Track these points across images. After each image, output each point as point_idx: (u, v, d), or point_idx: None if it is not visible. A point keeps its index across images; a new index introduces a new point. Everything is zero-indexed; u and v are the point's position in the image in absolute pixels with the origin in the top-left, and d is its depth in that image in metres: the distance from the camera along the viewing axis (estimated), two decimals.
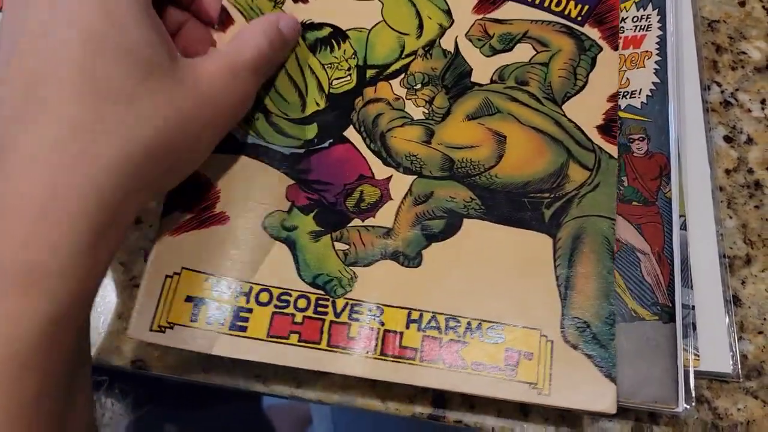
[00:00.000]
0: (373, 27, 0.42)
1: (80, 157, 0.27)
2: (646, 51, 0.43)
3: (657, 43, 0.43)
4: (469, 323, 0.36)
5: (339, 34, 0.41)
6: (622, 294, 0.37)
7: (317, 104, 0.40)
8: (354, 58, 0.41)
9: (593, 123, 0.40)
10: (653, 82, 0.42)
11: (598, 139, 0.39)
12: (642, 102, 0.42)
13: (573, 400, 0.34)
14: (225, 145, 0.37)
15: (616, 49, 0.42)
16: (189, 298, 0.35)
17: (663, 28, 0.44)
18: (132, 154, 0.29)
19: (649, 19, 0.44)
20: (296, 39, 0.40)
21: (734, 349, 0.38)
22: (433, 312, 0.36)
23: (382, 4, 0.42)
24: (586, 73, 0.41)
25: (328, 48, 0.41)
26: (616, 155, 0.39)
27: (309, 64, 0.40)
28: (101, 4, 0.29)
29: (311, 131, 0.39)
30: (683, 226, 0.40)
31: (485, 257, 0.37)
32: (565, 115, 0.40)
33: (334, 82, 0.40)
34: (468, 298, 0.36)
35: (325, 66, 0.41)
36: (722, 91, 0.46)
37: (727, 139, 0.44)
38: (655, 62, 0.43)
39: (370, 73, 0.41)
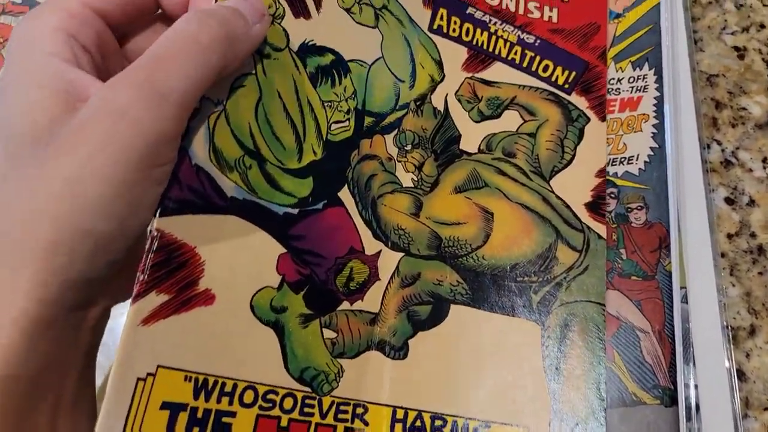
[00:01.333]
0: (373, 63, 0.38)
1: None
2: (643, 114, 0.42)
3: (654, 105, 0.43)
4: (455, 422, 0.34)
5: (341, 65, 0.37)
6: (621, 376, 0.37)
7: (314, 152, 0.36)
8: (354, 98, 0.37)
9: (582, 200, 0.39)
10: (651, 147, 0.42)
11: (586, 217, 0.39)
12: (640, 168, 0.41)
13: None
14: (212, 204, 0.33)
15: (603, 119, 0.41)
16: (165, 405, 0.30)
17: (660, 88, 0.43)
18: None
19: (645, 80, 0.43)
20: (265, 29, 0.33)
21: (739, 429, 0.38)
22: (418, 410, 0.34)
23: (383, 36, 0.39)
24: (573, 145, 0.40)
25: (329, 81, 0.37)
26: (605, 235, 0.39)
27: (309, 100, 0.36)
28: None
29: (306, 187, 0.35)
30: (684, 299, 0.39)
31: (472, 347, 0.35)
32: (553, 192, 0.39)
33: (333, 126, 0.37)
34: (455, 394, 0.34)
35: (325, 104, 0.37)
36: (722, 150, 0.45)
37: (729, 201, 0.44)
38: (653, 125, 0.42)
39: (368, 121, 0.37)
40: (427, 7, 0.41)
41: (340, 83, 0.37)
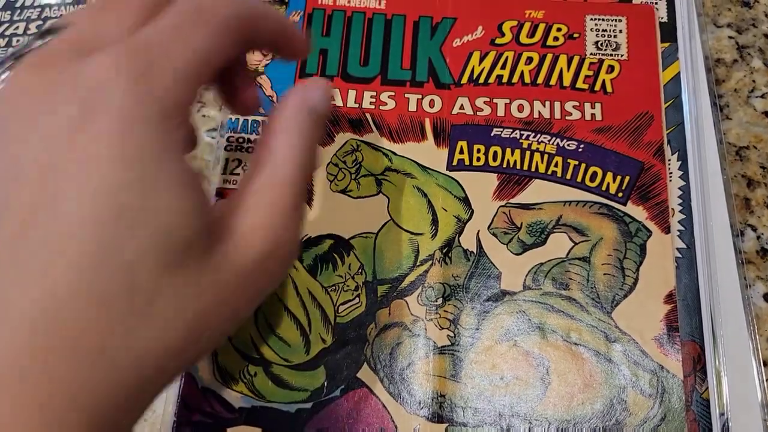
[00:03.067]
0: (380, 230, 0.36)
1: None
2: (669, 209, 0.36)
3: (679, 196, 0.37)
4: None
5: (341, 246, 0.35)
6: None
7: (323, 340, 0.34)
8: (361, 273, 0.35)
9: (651, 334, 0.33)
10: (678, 248, 0.35)
11: (657, 355, 0.33)
12: None
13: None
14: (221, 419, 0.32)
15: (668, 231, 0.35)
16: None
17: (685, 176, 0.37)
18: (139, 376, 0.21)
19: (668, 167, 0.37)
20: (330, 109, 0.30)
21: None
22: None
23: (389, 199, 0.36)
24: (635, 266, 0.35)
25: (331, 266, 0.35)
26: (680, 374, 0.33)
27: (310, 291, 0.34)
28: (121, 143, 0.21)
29: (318, 378, 0.33)
30: (725, 427, 0.33)
31: None
32: (617, 327, 0.34)
33: (341, 308, 0.34)
34: None
35: (329, 289, 0.34)
36: (758, 237, 0.38)
37: None
38: (679, 221, 0.36)
39: (381, 289, 0.35)
40: (442, 146, 0.37)
41: (343, 264, 0.34)
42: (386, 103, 0.38)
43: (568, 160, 0.37)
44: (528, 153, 0.37)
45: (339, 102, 0.38)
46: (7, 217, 0.20)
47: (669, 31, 0.40)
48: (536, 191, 0.36)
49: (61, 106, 0.21)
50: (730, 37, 0.43)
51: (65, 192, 0.20)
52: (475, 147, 0.37)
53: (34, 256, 0.20)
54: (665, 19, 0.40)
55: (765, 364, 0.35)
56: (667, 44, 0.40)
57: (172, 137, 0.22)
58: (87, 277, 0.19)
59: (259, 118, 0.38)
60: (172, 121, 0.23)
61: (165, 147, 0.22)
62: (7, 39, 0.42)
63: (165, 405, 0.34)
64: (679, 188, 0.37)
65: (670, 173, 0.37)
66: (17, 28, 0.43)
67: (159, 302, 0.21)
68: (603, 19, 0.40)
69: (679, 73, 0.39)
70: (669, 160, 0.37)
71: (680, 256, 0.35)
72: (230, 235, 0.23)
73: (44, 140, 0.21)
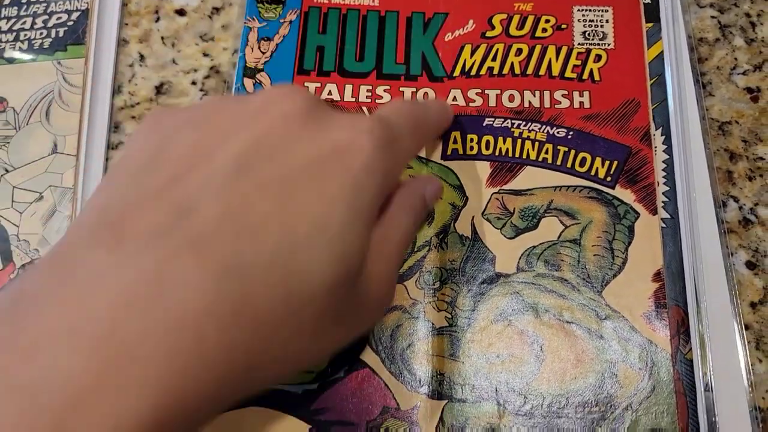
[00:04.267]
0: None
1: None
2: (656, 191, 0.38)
3: (664, 170, 0.38)
4: None
5: None
6: None
7: None
8: None
9: (639, 310, 0.35)
10: (663, 219, 0.37)
11: (647, 330, 0.35)
12: None
13: None
14: None
15: (654, 213, 0.37)
16: None
17: (669, 150, 0.38)
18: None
19: (653, 141, 0.39)
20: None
21: None
22: None
23: None
24: (624, 247, 0.36)
25: None
26: (669, 348, 0.34)
27: None
28: (352, 200, 0.25)
29: (323, 361, 0.35)
30: (707, 386, 0.34)
31: None
32: (607, 305, 0.35)
33: None
34: None
35: None
36: (740, 207, 0.40)
37: (750, 266, 0.38)
38: (663, 193, 0.38)
39: None
40: (436, 139, 0.39)
41: None
42: (382, 97, 0.40)
43: (558, 147, 0.38)
44: (519, 141, 0.39)
45: (336, 97, 0.40)
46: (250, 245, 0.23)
47: (653, 12, 0.41)
48: (528, 178, 0.38)
49: (310, 150, 0.25)
50: (713, 17, 0.44)
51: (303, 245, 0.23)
52: (468, 137, 0.39)
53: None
54: (648, 0, 0.42)
55: (747, 328, 0.37)
56: (650, 24, 0.41)
57: (378, 205, 0.27)
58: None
59: None
60: (386, 191, 0.28)
61: (374, 213, 0.27)
62: (15, 34, 0.44)
63: None
64: (663, 161, 0.38)
65: (655, 147, 0.38)
66: (24, 23, 0.44)
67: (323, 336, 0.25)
68: (590, 10, 0.42)
69: (662, 52, 0.40)
70: (653, 135, 0.39)
71: (665, 225, 0.37)
72: (365, 277, 0.27)
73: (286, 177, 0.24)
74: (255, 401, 0.34)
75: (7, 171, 0.41)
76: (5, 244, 0.40)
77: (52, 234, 0.40)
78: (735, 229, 0.39)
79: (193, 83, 0.44)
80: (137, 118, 0.43)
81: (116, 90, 0.44)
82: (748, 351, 0.36)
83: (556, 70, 0.40)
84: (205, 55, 0.44)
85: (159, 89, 0.44)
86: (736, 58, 0.43)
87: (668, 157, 0.38)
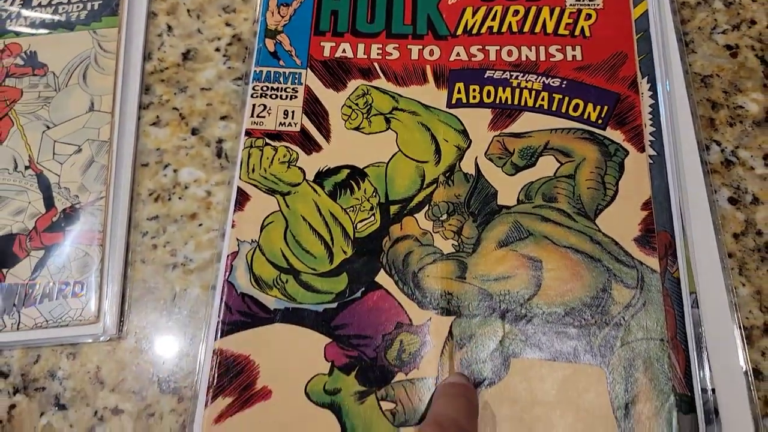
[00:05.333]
0: (390, 159, 0.41)
1: None
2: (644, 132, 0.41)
3: (650, 113, 0.42)
4: None
5: (357, 174, 0.40)
6: None
7: (344, 252, 0.39)
8: (375, 196, 0.40)
9: (630, 236, 0.38)
10: (650, 156, 0.41)
11: (637, 253, 0.38)
12: None
13: None
14: (258, 318, 0.37)
15: (642, 150, 0.40)
16: None
17: (655, 95, 0.42)
18: None
19: (640, 88, 0.42)
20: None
21: (760, 429, 0.36)
22: None
23: (397, 133, 0.41)
24: (615, 180, 0.40)
25: (348, 191, 0.40)
26: (658, 268, 0.37)
27: (331, 212, 0.39)
28: None
29: (341, 283, 0.38)
30: (695, 304, 0.38)
31: (538, 398, 0.35)
32: (600, 230, 0.38)
33: (359, 225, 0.39)
34: None
35: (347, 210, 0.40)
36: (722, 150, 0.43)
37: (732, 201, 0.42)
38: (650, 134, 0.41)
39: (393, 208, 0.40)
40: (442, 87, 0.42)
41: (359, 189, 0.40)
42: (391, 54, 0.44)
43: (553, 95, 0.42)
44: (518, 90, 0.42)
45: (350, 54, 0.44)
46: None
47: None
48: (526, 122, 0.41)
49: None
50: None
51: None
52: (471, 87, 0.42)
53: None
54: None
55: (730, 256, 0.40)
56: None
57: None
58: None
59: (281, 70, 0.43)
60: None
61: None
62: (54, 8, 0.48)
63: (210, 310, 0.39)
64: (650, 106, 0.42)
65: (642, 93, 0.42)
66: None
67: None
68: None
69: (647, 10, 0.44)
70: (640, 83, 0.42)
71: (652, 162, 0.40)
72: None
73: None
74: (279, 319, 0.37)
75: (48, 127, 0.45)
76: (48, 191, 0.43)
77: (90, 181, 0.43)
78: (718, 169, 0.43)
79: (217, 50, 0.48)
80: (166, 81, 0.47)
81: (147, 57, 0.48)
82: (731, 276, 0.40)
83: (550, 28, 0.44)
84: (228, 24, 0.48)
85: (185, 55, 0.48)
86: (716, 19, 0.47)
87: (654, 102, 0.42)
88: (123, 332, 0.41)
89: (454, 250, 0.39)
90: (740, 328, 0.38)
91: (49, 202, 0.43)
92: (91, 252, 0.42)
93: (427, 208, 0.40)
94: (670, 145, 0.41)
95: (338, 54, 0.44)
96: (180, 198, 0.44)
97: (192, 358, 0.40)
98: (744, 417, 0.36)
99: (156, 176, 0.45)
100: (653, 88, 0.42)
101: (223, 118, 0.46)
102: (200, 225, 0.43)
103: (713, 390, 0.36)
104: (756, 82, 0.45)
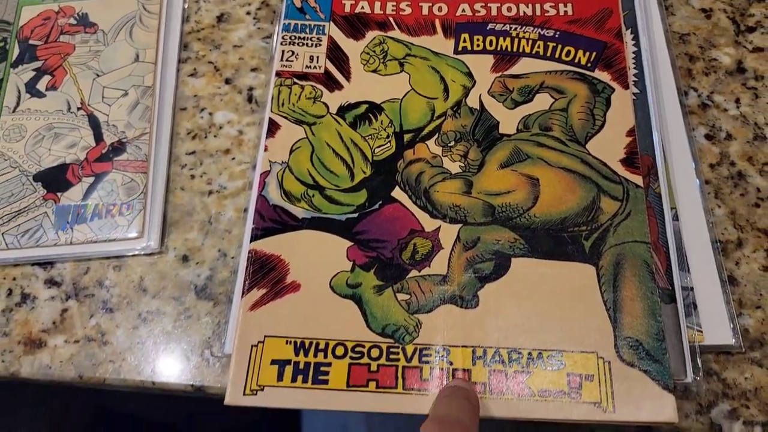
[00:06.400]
0: (404, 96, 0.46)
1: None
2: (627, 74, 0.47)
3: (633, 57, 0.47)
4: (530, 354, 0.38)
5: (375, 108, 0.46)
6: None
7: (364, 172, 0.44)
8: (391, 126, 0.45)
9: (616, 157, 0.43)
10: (634, 93, 0.46)
11: (623, 171, 0.43)
12: None
13: (637, 414, 0.37)
14: (288, 225, 0.42)
15: (626, 87, 0.46)
16: (274, 362, 0.38)
17: (637, 44, 0.48)
18: None
19: (625, 39, 0.48)
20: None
21: (735, 323, 0.40)
22: (495, 347, 0.39)
23: (409, 75, 0.47)
24: (603, 113, 0.45)
25: (367, 122, 0.45)
26: (641, 184, 0.42)
27: (352, 139, 0.45)
28: None
29: (361, 197, 0.43)
30: (675, 217, 0.43)
31: (536, 291, 0.40)
32: (590, 153, 0.44)
33: (376, 150, 0.44)
34: (525, 331, 0.39)
35: (366, 138, 0.45)
36: (699, 95, 0.49)
37: (708, 137, 0.47)
38: (634, 75, 0.47)
39: (407, 137, 0.45)
40: (449, 38, 0.48)
41: (376, 120, 0.45)
42: (404, 10, 0.49)
43: (548, 43, 0.48)
44: (516, 40, 0.48)
45: (368, 10, 0.49)
46: None
47: None
48: (524, 66, 0.47)
49: None
50: None
51: None
52: (475, 37, 0.48)
53: None
54: None
55: (707, 183, 0.45)
56: None
57: None
58: None
59: (307, 22, 0.49)
60: None
61: None
62: None
63: (245, 217, 0.44)
64: (633, 53, 0.47)
65: (626, 42, 0.48)
66: None
67: None
68: None
69: None
70: (624, 33, 0.48)
71: (635, 98, 0.46)
72: None
73: None
74: (307, 226, 0.42)
75: (98, 75, 0.50)
76: (97, 128, 0.48)
77: (136, 120, 0.48)
78: (695, 111, 0.48)
79: (248, 13, 0.54)
80: (202, 40, 0.53)
81: (185, 19, 0.54)
82: (708, 199, 0.45)
83: None
84: None
85: (219, 18, 0.54)
86: None
87: (636, 50, 0.47)
88: (164, 247, 0.46)
89: (460, 171, 0.44)
90: (716, 242, 0.43)
91: (98, 137, 0.48)
92: (136, 179, 0.47)
93: (436, 136, 0.45)
94: (651, 85, 0.46)
95: (357, 10, 0.49)
96: (215, 136, 0.49)
97: (226, 268, 0.45)
98: (720, 312, 0.41)
99: (194, 118, 0.50)
100: (635, 39, 0.48)
101: (253, 69, 0.52)
102: (233, 158, 0.49)
103: (692, 288, 0.41)
104: (728, 38, 0.51)
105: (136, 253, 0.45)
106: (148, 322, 0.44)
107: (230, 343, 0.41)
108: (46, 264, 0.46)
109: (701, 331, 0.40)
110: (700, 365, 0.39)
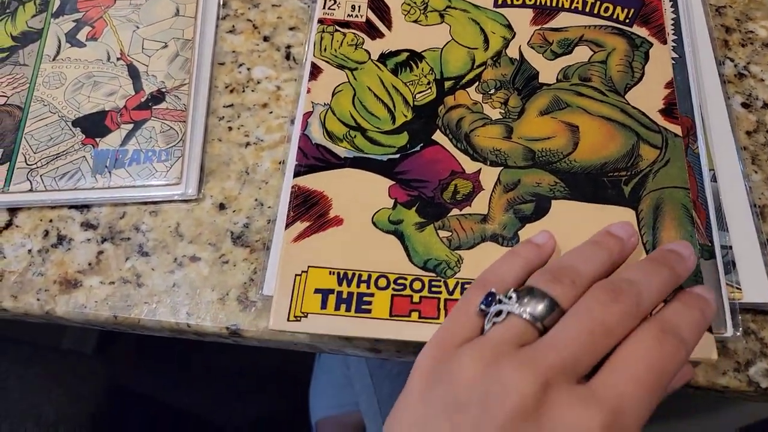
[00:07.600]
0: (444, 46, 0.46)
1: None
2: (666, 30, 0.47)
3: (672, 24, 0.48)
4: None
5: (416, 56, 0.46)
6: None
7: (405, 116, 0.44)
8: (431, 73, 0.45)
9: (655, 108, 0.43)
10: (673, 57, 0.46)
11: (662, 121, 0.43)
12: None
13: None
14: (330, 163, 0.42)
15: (664, 43, 0.46)
16: (317, 290, 0.38)
17: (676, 11, 0.48)
18: None
19: (663, 5, 0.48)
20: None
21: None
22: None
23: (450, 26, 0.47)
24: (641, 66, 0.45)
25: (408, 69, 0.46)
26: (680, 134, 0.42)
27: (393, 85, 0.45)
28: None
29: (403, 139, 0.43)
30: (713, 179, 0.43)
31: (576, 233, 0.40)
32: (629, 103, 0.44)
33: (418, 95, 0.45)
34: None
35: (408, 83, 0.45)
36: (735, 65, 0.50)
37: (745, 106, 0.48)
38: (672, 40, 0.47)
39: (448, 84, 0.45)
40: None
41: (417, 67, 0.46)
42: None
43: (587, 0, 0.48)
44: None
45: None
46: None
47: None
48: (563, 20, 0.47)
49: None
50: None
51: None
52: None
53: None
54: None
55: (744, 149, 0.46)
56: None
57: None
58: None
59: None
60: None
61: None
62: None
63: (283, 168, 0.44)
64: (672, 20, 0.48)
65: (665, 9, 0.48)
66: None
67: None
68: None
69: None
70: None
71: (674, 62, 0.46)
72: None
73: None
74: (349, 165, 0.42)
75: (138, 27, 0.51)
76: (137, 77, 0.49)
77: (175, 70, 0.49)
78: (732, 80, 0.49)
79: None
80: None
81: None
82: (746, 165, 0.45)
83: None
84: None
85: None
86: None
87: (675, 17, 0.48)
88: (201, 194, 0.46)
89: (501, 117, 0.44)
90: (754, 206, 0.43)
91: (137, 86, 0.49)
92: (175, 127, 0.47)
93: (477, 84, 0.45)
94: (690, 50, 0.47)
95: None
96: (253, 91, 0.50)
97: (263, 217, 0.45)
98: (759, 273, 0.41)
99: (232, 72, 0.51)
100: (674, 5, 0.48)
101: (291, 29, 0.52)
102: (270, 113, 0.49)
103: (730, 247, 0.41)
104: (765, 12, 0.52)
105: (174, 198, 0.46)
106: (184, 267, 0.44)
107: (269, 284, 0.41)
108: (82, 207, 0.46)
109: (740, 289, 0.40)
110: (740, 323, 0.39)
